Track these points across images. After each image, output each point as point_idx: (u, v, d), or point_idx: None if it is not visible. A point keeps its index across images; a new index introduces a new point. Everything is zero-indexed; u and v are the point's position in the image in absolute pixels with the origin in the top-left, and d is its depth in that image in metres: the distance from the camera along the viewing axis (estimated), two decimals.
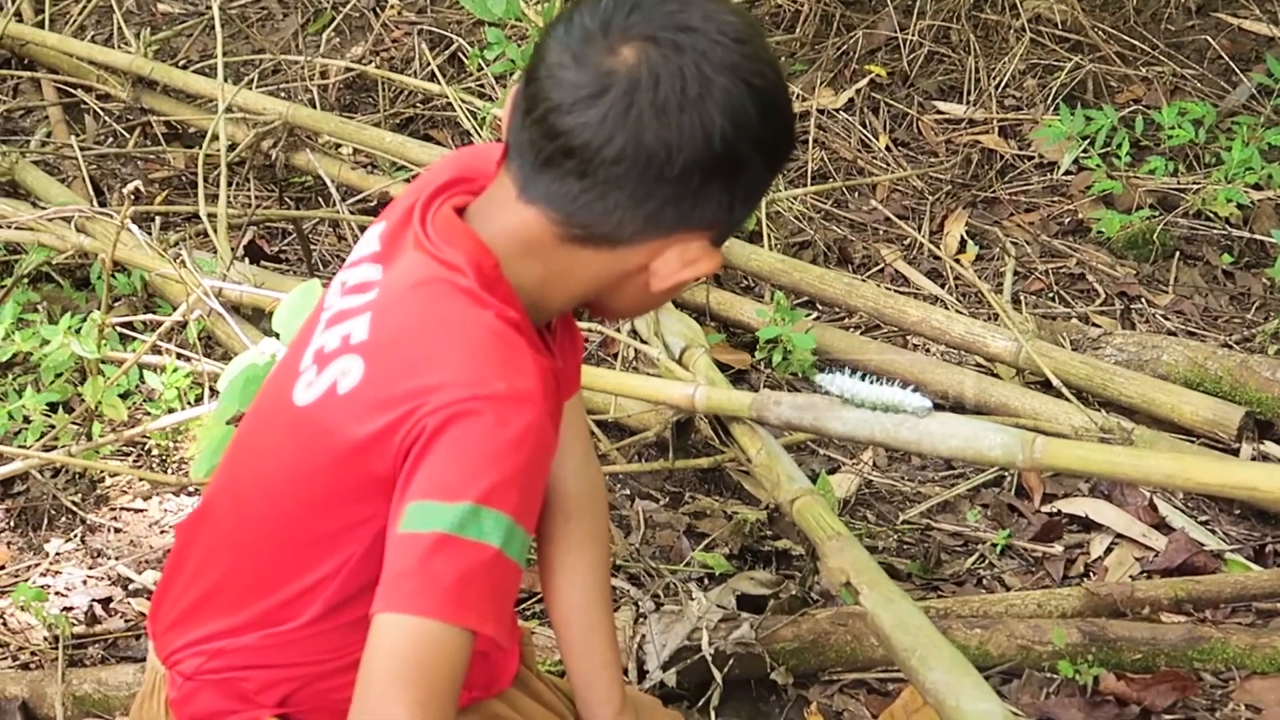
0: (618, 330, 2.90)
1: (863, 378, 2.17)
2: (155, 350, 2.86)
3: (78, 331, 2.59)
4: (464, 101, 3.86)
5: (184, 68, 4.30)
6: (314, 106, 4.13)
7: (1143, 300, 3.58)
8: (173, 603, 1.62)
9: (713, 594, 2.28)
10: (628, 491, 2.74)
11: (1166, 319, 3.51)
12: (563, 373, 1.61)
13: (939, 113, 4.35)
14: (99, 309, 2.71)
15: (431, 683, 1.34)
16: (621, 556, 2.53)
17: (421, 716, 1.33)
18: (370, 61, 4.46)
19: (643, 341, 2.79)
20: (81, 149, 3.97)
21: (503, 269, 1.46)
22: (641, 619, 2.22)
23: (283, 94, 4.19)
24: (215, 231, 3.10)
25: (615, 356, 2.96)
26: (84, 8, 4.60)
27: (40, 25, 4.49)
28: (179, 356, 2.84)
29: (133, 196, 2.39)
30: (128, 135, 4.16)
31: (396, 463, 1.40)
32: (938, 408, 2.60)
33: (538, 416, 1.39)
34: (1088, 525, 2.77)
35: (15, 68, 4.42)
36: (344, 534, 1.49)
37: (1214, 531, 2.74)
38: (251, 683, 1.56)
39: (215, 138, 3.59)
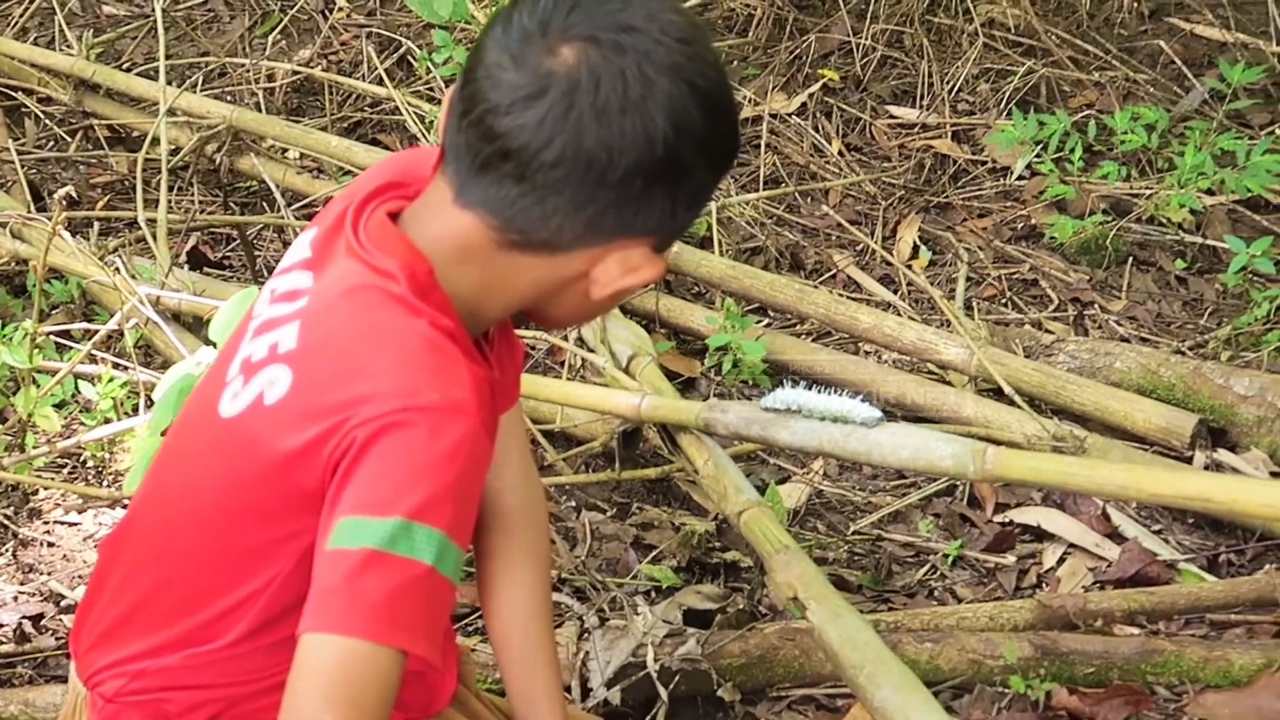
0: (564, 339, 2.85)
1: (809, 388, 2.13)
2: (92, 360, 2.79)
3: (8, 340, 2.52)
4: (411, 105, 3.80)
5: (128, 70, 4.22)
6: (260, 110, 4.07)
7: (1096, 306, 3.55)
8: (95, 621, 1.57)
9: (658, 609, 2.24)
10: (573, 503, 2.69)
11: (1119, 325, 3.48)
12: (500, 384, 1.57)
13: (892, 117, 4.32)
14: (28, 314, 2.66)
15: (359, 704, 1.30)
16: (567, 569, 2.48)
17: None
18: (318, 65, 4.39)
19: (589, 350, 2.74)
20: (20, 153, 3.90)
21: (437, 276, 1.41)
22: (585, 635, 2.17)
23: (229, 97, 4.12)
24: (154, 238, 3.03)
25: (563, 365, 2.90)
26: (26, 9, 4.53)
27: None
28: (115, 366, 2.78)
29: (65, 201, 2.33)
30: (69, 139, 4.08)
31: (325, 476, 1.35)
32: (889, 416, 2.58)
33: (472, 428, 1.34)
34: (1040, 535, 2.73)
35: None
36: (270, 550, 1.44)
37: (1167, 541, 2.71)
38: (175, 704, 1.51)
39: (156, 141, 3.52)
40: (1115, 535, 2.72)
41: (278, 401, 1.39)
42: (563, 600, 2.34)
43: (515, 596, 1.76)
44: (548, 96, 1.32)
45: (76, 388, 2.86)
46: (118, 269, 2.69)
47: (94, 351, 2.69)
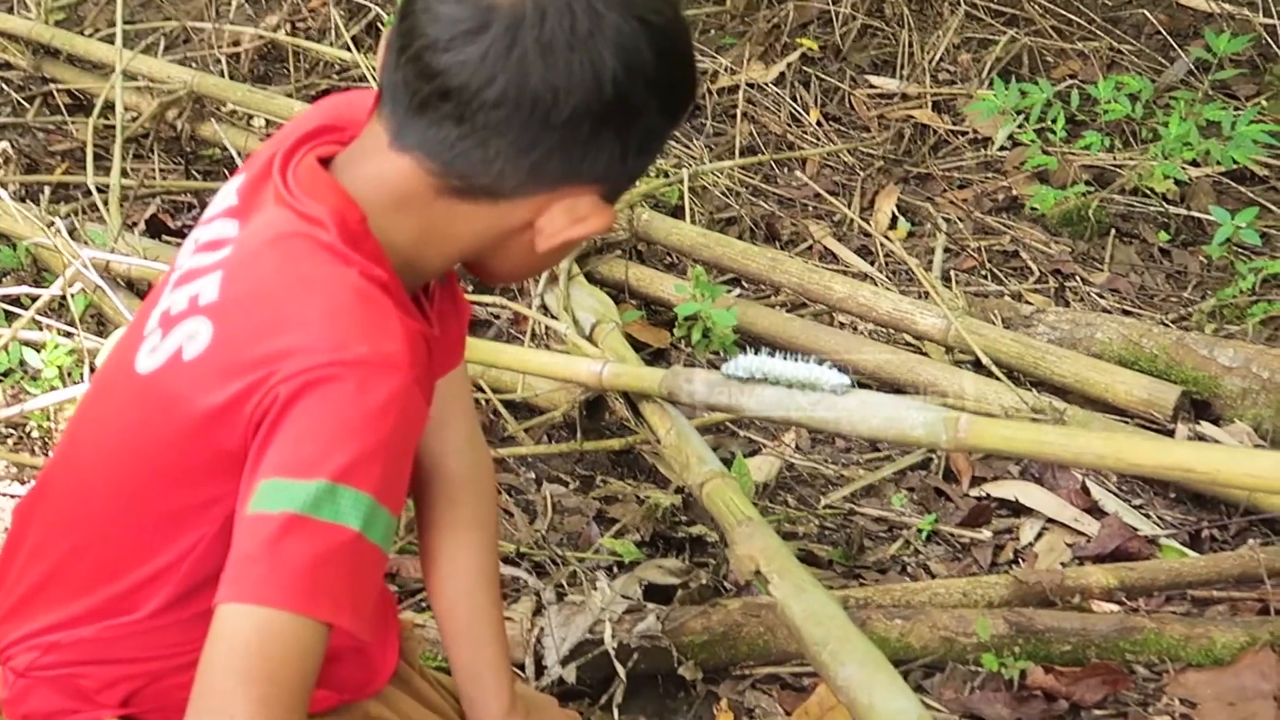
0: (528, 305, 2.76)
1: (771, 354, 2.04)
2: (38, 327, 2.69)
3: None
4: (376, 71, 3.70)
5: (90, 36, 4.11)
6: (226, 77, 3.96)
7: (1077, 278, 3.47)
8: (6, 592, 1.47)
9: (617, 584, 2.15)
10: (533, 475, 2.59)
11: (1102, 297, 3.40)
12: (441, 342, 1.47)
13: (871, 87, 4.23)
14: None
15: (277, 680, 1.20)
16: (526, 544, 2.39)
17: (265, 716, 1.19)
18: (284, 31, 4.29)
19: (552, 317, 2.65)
20: None
21: (371, 224, 1.31)
22: (541, 611, 2.08)
23: (193, 64, 4.01)
24: (105, 203, 2.93)
25: (529, 334, 2.81)
26: None
27: None
28: (61, 334, 2.68)
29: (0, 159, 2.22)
30: (28, 105, 3.98)
31: (247, 436, 1.26)
32: (863, 387, 2.49)
33: (403, 384, 1.25)
34: (1017, 510, 2.65)
35: None
36: (191, 515, 1.35)
37: (1148, 516, 2.63)
38: (90, 680, 1.42)
39: (110, 106, 3.42)
40: (1095, 510, 2.63)
41: (197, 356, 1.30)
42: (518, 575, 2.25)
43: (460, 567, 1.67)
44: (489, 31, 1.23)
45: (23, 356, 2.76)
46: (58, 231, 2.58)
47: (39, 318, 2.59)
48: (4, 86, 4.01)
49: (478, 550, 1.67)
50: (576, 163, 1.28)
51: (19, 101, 3.99)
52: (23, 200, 3.30)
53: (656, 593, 2.21)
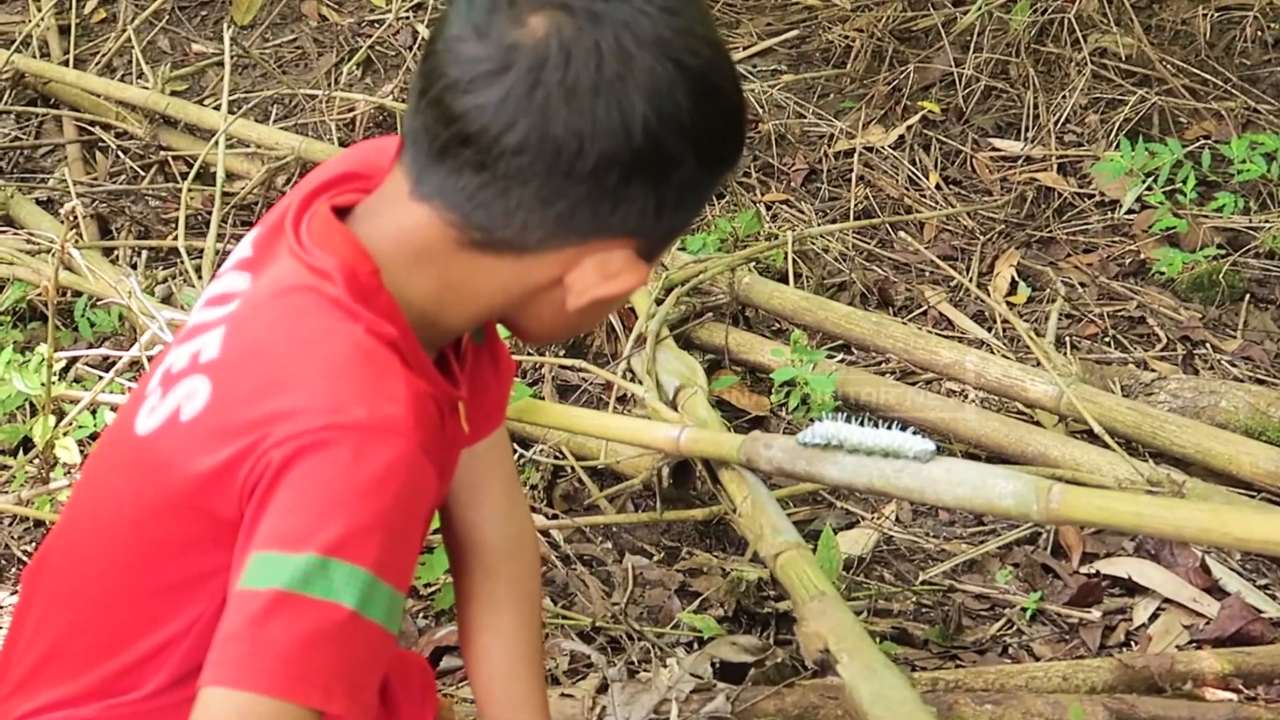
0: (614, 369, 2.67)
1: (850, 420, 1.93)
2: (121, 390, 2.66)
3: (23, 366, 2.40)
4: None
5: (205, 105, 4.15)
6: (337, 144, 3.96)
7: (1207, 345, 3.29)
8: (16, 663, 1.40)
9: (687, 661, 2.03)
10: (610, 544, 2.49)
11: (1233, 365, 3.21)
12: (475, 406, 1.39)
13: (994, 150, 4.09)
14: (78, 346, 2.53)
15: None
16: (602, 618, 2.28)
17: None
18: (400, 99, 4.28)
19: (637, 381, 2.56)
20: (92, 186, 3.83)
21: (386, 278, 1.23)
22: (605, 689, 1.97)
23: (307, 131, 4.02)
24: (196, 269, 2.91)
25: (613, 399, 2.71)
26: (112, 47, 4.48)
27: (66, 63, 4.38)
28: None
29: (73, 219, 2.20)
30: (143, 173, 4.00)
31: (241, 503, 1.18)
32: (971, 458, 2.36)
33: (405, 450, 1.16)
34: (1131, 589, 2.48)
35: (39, 105, 4.29)
36: (191, 586, 1.27)
37: (1274, 597, 2.45)
38: None
39: (229, 175, 3.42)
40: (1215, 590, 2.46)
41: (194, 417, 1.23)
42: (588, 652, 2.14)
43: (498, 645, 1.57)
44: (511, 73, 1.15)
45: (107, 420, 2.73)
46: (131, 293, 2.54)
47: (121, 381, 2.56)
48: (121, 155, 4.05)
49: (518, 627, 1.58)
50: (605, 215, 1.20)
51: (135, 169, 4.02)
52: (134, 267, 3.31)
53: (731, 671, 2.09)
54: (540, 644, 1.60)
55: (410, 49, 4.57)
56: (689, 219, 1.28)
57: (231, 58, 4.08)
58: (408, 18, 4.64)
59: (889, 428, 2.00)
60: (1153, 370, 3.10)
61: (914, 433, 1.97)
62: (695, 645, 2.25)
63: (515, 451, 2.65)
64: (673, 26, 1.17)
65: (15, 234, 3.31)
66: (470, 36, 1.17)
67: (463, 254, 1.22)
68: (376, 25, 4.62)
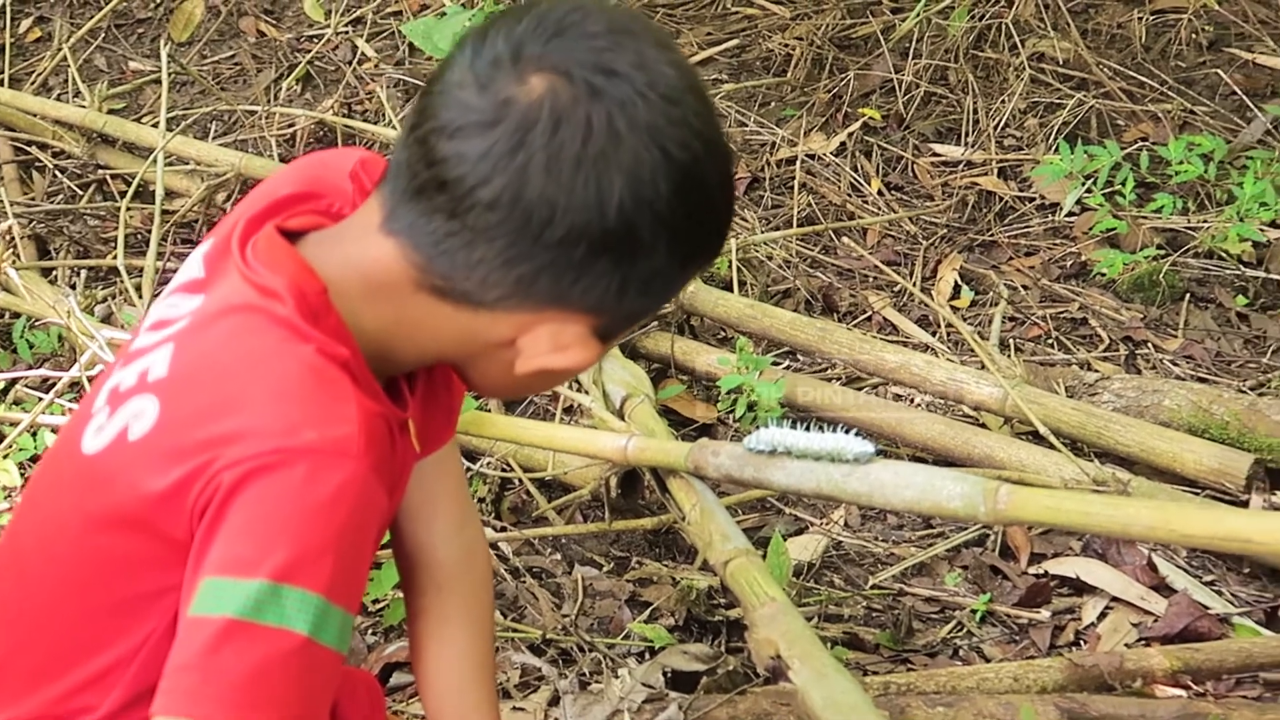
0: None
1: (795, 426, 1.93)
2: (60, 410, 2.63)
3: None
4: None
5: (143, 123, 4.11)
6: (278, 160, 3.93)
7: (1149, 345, 3.31)
8: None
9: (639, 671, 2.02)
10: (559, 556, 2.48)
11: (1175, 365, 3.24)
12: (426, 421, 1.38)
13: (935, 155, 4.10)
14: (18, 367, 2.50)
15: None
16: (552, 629, 2.27)
17: None
18: (340, 113, 4.25)
19: (583, 391, 2.55)
20: (29, 206, 3.79)
21: (339, 303, 1.22)
22: (557, 701, 1.96)
23: (247, 147, 4.00)
24: (136, 287, 2.88)
25: (559, 410, 2.71)
26: (48, 66, 4.44)
27: (0, 83, 4.33)
28: None
29: (9, 239, 2.17)
30: (81, 192, 3.96)
31: (191, 525, 1.17)
32: (918, 460, 2.36)
33: (356, 473, 1.15)
34: (1079, 588, 2.49)
35: None
36: (141, 605, 1.25)
37: (1220, 593, 2.46)
38: None
39: (139, 190, 3.38)
40: (1163, 587, 2.48)
41: (142, 437, 1.21)
42: (539, 665, 2.13)
43: (449, 660, 1.56)
44: (499, 128, 1.14)
45: (47, 442, 2.70)
46: (70, 312, 2.52)
47: (61, 402, 2.53)
48: (58, 174, 4.01)
49: (470, 641, 1.57)
50: (567, 287, 1.19)
51: (73, 189, 3.98)
52: (73, 287, 3.27)
53: (683, 680, 2.09)
54: (493, 658, 1.59)
55: (349, 64, 4.55)
56: (653, 307, 1.28)
57: (169, 75, 4.06)
58: (346, 32, 4.63)
59: (832, 431, 2.00)
60: (1096, 371, 3.12)
61: (856, 435, 1.97)
62: (646, 655, 2.24)
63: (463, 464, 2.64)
64: (668, 115, 1.16)
65: None
66: (470, 84, 1.16)
67: (421, 296, 1.22)
68: (315, 40, 4.60)
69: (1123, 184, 3.66)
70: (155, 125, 4.03)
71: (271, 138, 4.03)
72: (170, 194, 3.68)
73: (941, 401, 2.93)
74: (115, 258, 3.19)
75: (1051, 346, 3.32)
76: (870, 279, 3.61)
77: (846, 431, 1.95)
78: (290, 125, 4.13)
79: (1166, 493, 2.52)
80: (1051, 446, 2.61)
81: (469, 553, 1.58)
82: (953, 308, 3.44)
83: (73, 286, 3.20)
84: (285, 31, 4.72)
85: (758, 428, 2.70)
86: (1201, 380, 3.14)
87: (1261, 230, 3.50)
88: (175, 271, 1.35)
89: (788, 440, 1.94)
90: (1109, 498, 2.19)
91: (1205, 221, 3.60)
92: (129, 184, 3.94)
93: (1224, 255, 3.52)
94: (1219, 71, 4.22)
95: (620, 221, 1.15)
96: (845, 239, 3.76)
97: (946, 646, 2.37)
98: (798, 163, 3.94)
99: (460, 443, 2.65)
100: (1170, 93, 4.14)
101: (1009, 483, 1.94)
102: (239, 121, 4.23)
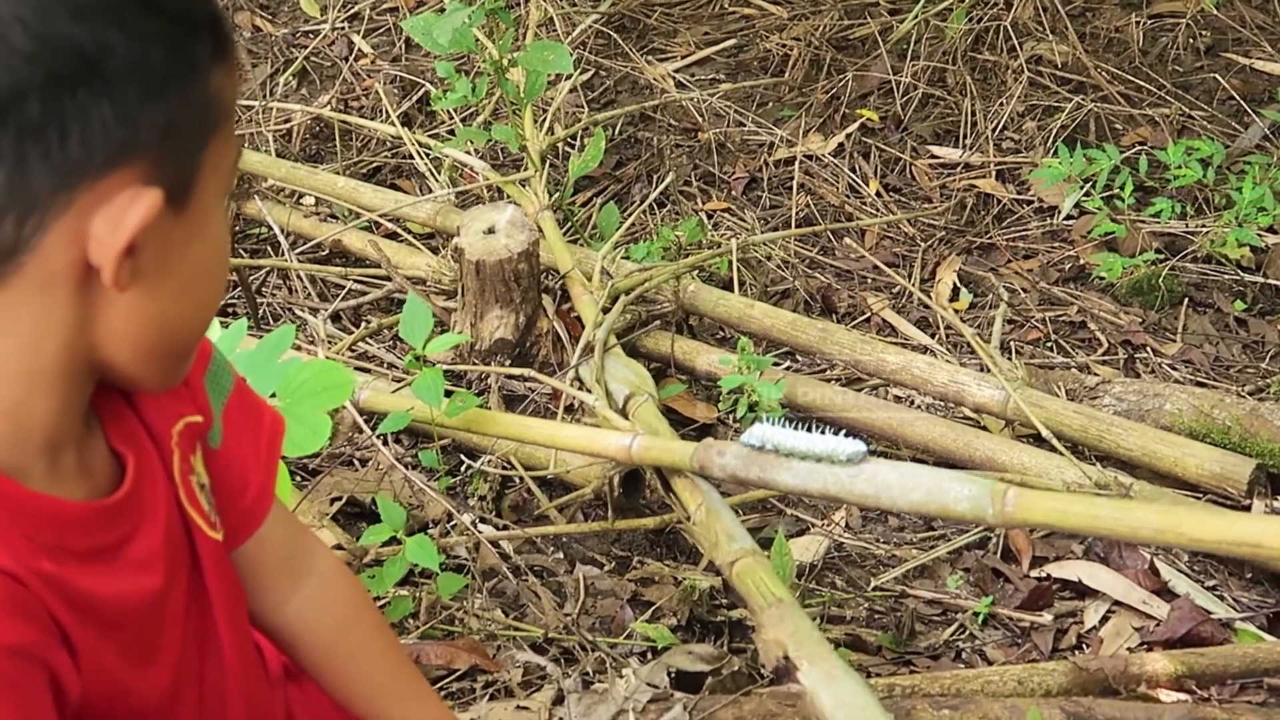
0: (561, 378, 2.65)
1: (790, 424, 1.92)
2: None
3: None
4: (423, 145, 3.64)
5: None
6: (275, 155, 3.92)
7: (1148, 349, 3.31)
8: None
9: (643, 671, 2.01)
10: (560, 555, 2.47)
11: (1174, 369, 3.24)
12: (231, 502, 1.22)
13: (933, 157, 4.10)
14: None
15: None
16: (554, 629, 2.26)
17: None
18: (337, 109, 4.24)
19: (586, 390, 2.54)
20: None
21: None
22: (561, 701, 1.95)
23: (247, 144, 3.98)
24: None
25: (562, 408, 2.69)
26: None
27: None
28: None
29: None
30: None
31: None
32: (919, 462, 2.36)
33: None
34: (1082, 592, 2.49)
35: None
36: None
37: (1222, 598, 2.46)
38: None
39: None
40: (1165, 592, 2.47)
41: None
42: (543, 663, 2.12)
43: (365, 658, 1.42)
44: None
45: None
46: None
47: None
48: None
49: (372, 637, 1.42)
50: (55, 152, 0.92)
51: None
52: None
53: (687, 681, 2.08)
54: (408, 661, 1.47)
55: (346, 59, 4.54)
56: (190, 111, 1.00)
57: None
58: (343, 28, 4.61)
59: (823, 432, 1.99)
60: (1095, 374, 3.11)
61: (848, 435, 1.97)
62: (648, 655, 2.23)
63: (463, 462, 2.63)
64: None
65: None
66: None
67: None
68: (312, 36, 4.59)
69: (1121, 188, 3.66)
70: None
71: (268, 132, 4.01)
72: None
73: (941, 404, 2.93)
74: None
75: (1050, 349, 3.31)
76: (869, 280, 3.61)
77: (845, 433, 1.94)
78: (287, 120, 4.12)
79: (1169, 497, 2.52)
80: (1054, 449, 2.61)
81: (347, 602, 1.41)
82: (952, 309, 3.43)
83: None
84: (281, 27, 4.70)
85: (754, 423, 2.71)
86: (1200, 384, 3.14)
87: (1260, 235, 3.51)
88: None
89: (778, 439, 1.93)
90: (1117, 501, 2.18)
91: (1204, 226, 3.60)
92: None
93: (1222, 260, 3.52)
94: (1216, 76, 4.23)
95: (37, 44, 0.91)
96: (844, 240, 3.75)
97: (949, 649, 2.37)
98: (796, 163, 3.93)
99: (461, 441, 2.65)
100: (1168, 97, 4.15)
101: (1016, 485, 1.94)
102: (235, 116, 4.21)
